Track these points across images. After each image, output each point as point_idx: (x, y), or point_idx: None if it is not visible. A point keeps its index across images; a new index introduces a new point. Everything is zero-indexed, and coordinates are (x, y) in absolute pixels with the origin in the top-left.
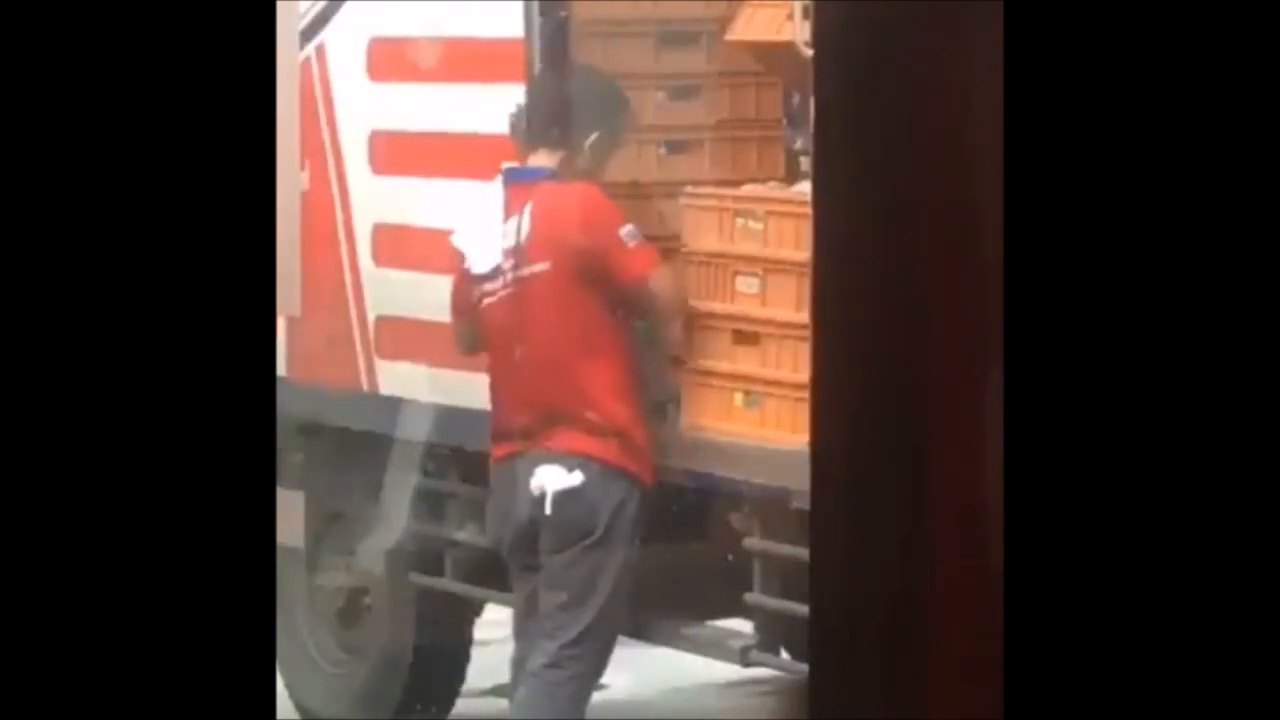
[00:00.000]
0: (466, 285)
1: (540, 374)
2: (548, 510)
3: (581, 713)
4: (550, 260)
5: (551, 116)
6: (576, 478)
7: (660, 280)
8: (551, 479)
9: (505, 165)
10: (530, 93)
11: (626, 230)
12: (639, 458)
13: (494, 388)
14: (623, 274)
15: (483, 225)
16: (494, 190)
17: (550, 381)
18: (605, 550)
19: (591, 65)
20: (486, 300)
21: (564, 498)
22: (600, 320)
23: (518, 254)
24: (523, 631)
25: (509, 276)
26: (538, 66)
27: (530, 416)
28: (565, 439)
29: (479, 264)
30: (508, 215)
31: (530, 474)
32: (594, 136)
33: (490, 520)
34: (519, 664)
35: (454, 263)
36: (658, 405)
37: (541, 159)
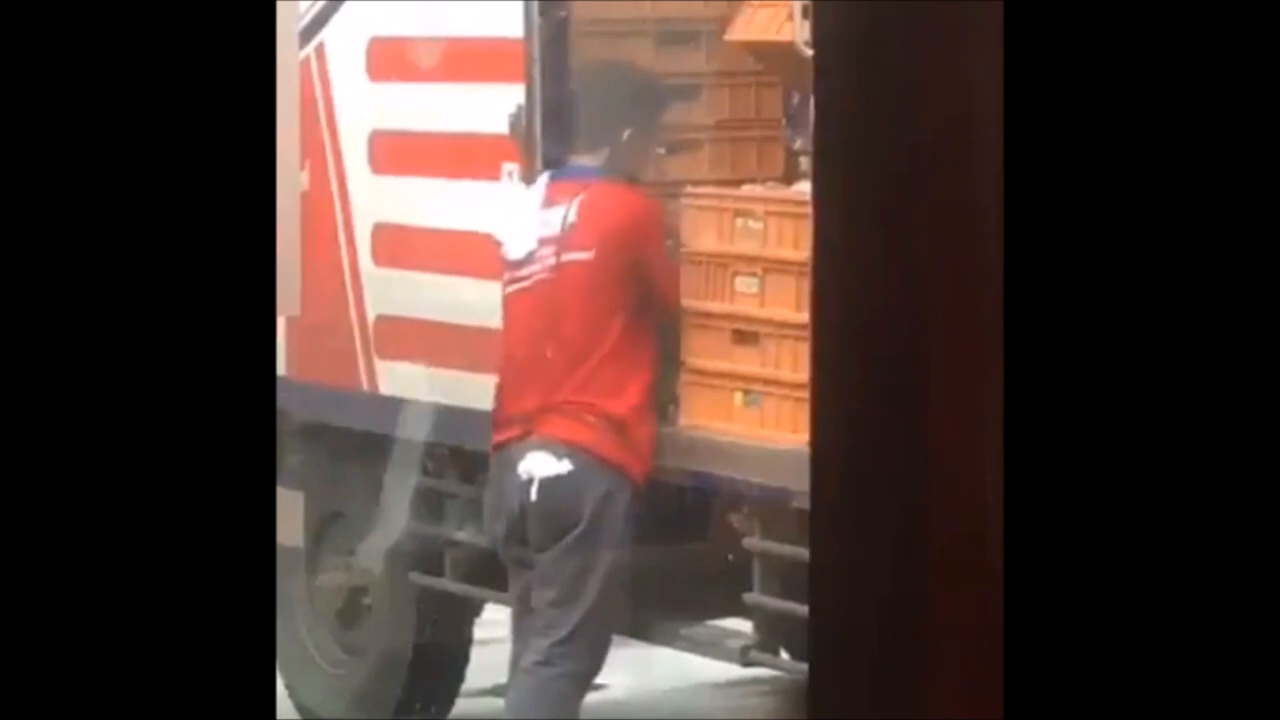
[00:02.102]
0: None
1: (555, 361)
2: (533, 497)
3: (575, 711)
4: (595, 249)
5: (591, 116)
6: (564, 465)
7: (672, 315)
8: (540, 465)
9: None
10: (570, 93)
11: (669, 247)
12: (634, 454)
13: (503, 374)
14: (659, 283)
15: (521, 215)
16: (536, 185)
17: (564, 369)
18: (593, 544)
19: (626, 61)
20: (514, 286)
21: (550, 484)
22: (629, 315)
23: (560, 241)
24: (519, 629)
25: (547, 262)
26: (538, 66)
27: (532, 404)
28: (559, 427)
29: (514, 250)
30: (550, 205)
31: (520, 460)
32: (628, 133)
33: (486, 508)
34: (516, 662)
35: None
36: (658, 405)
37: (584, 159)
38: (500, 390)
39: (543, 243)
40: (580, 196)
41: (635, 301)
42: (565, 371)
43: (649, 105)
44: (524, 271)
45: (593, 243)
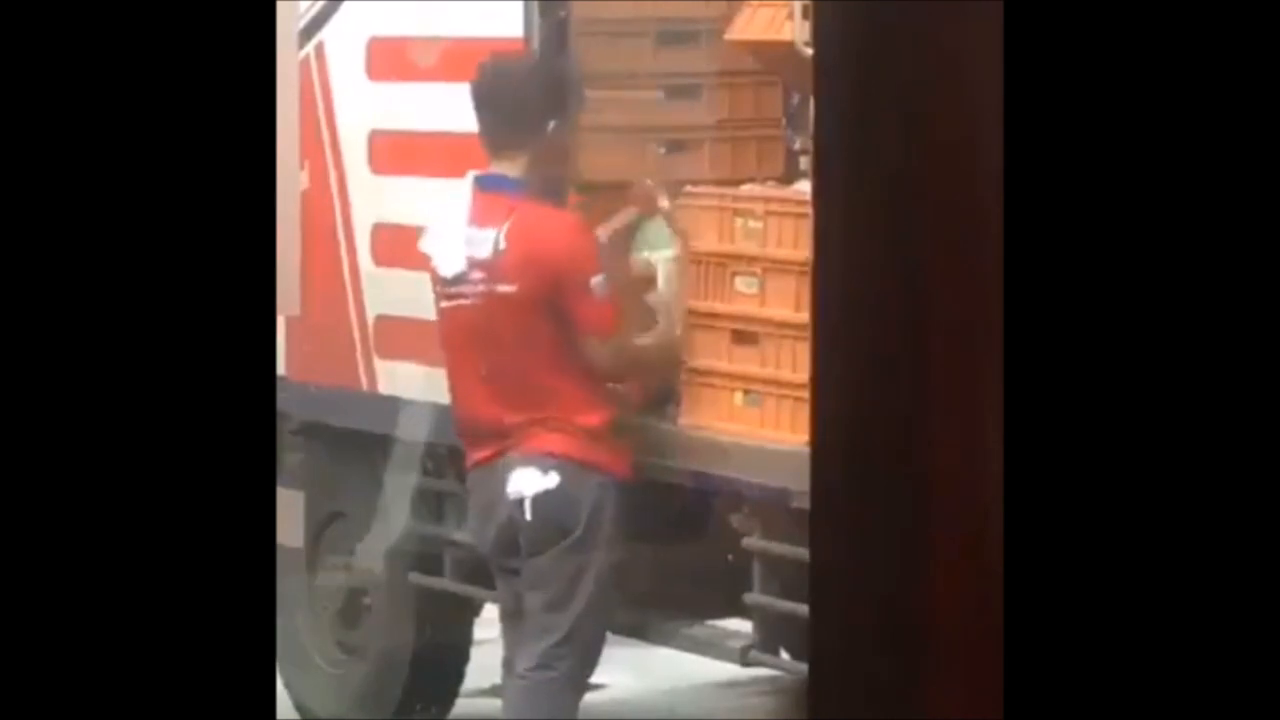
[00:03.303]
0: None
1: (506, 381)
2: (528, 515)
3: (573, 712)
4: (519, 284)
5: (506, 115)
6: (553, 479)
7: (601, 349)
8: (529, 482)
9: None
10: (476, 93)
11: (597, 281)
12: (613, 454)
13: (457, 390)
14: (578, 320)
15: (449, 228)
16: (461, 193)
17: (517, 388)
18: (587, 548)
19: (536, 52)
20: (450, 303)
21: (543, 499)
22: (565, 337)
23: (490, 269)
24: (509, 636)
25: (479, 288)
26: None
27: (501, 420)
28: (538, 441)
29: (445, 268)
30: (480, 224)
31: (507, 478)
32: (551, 126)
33: (471, 524)
34: (508, 665)
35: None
36: (658, 405)
37: (506, 166)
38: (458, 407)
39: (473, 264)
40: (509, 221)
41: (570, 323)
42: (520, 389)
43: (563, 95)
44: (457, 290)
45: (517, 277)
